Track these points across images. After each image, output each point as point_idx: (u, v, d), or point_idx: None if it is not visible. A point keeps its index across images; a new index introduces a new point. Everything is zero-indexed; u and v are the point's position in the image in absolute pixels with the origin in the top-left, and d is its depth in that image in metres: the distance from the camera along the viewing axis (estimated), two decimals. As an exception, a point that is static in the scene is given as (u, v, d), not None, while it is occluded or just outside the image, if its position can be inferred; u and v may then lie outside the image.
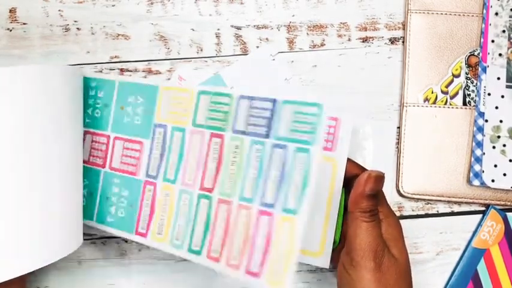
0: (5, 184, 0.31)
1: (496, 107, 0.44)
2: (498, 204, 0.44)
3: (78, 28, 0.45)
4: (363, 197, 0.35)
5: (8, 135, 0.31)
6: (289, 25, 0.46)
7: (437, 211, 0.44)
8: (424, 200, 0.44)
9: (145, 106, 0.39)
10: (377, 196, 0.36)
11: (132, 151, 0.40)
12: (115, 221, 0.39)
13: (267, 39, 0.45)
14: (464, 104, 0.44)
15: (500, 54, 0.44)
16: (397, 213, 0.44)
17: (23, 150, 0.32)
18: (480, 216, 0.45)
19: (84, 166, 0.41)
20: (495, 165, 0.43)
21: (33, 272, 0.41)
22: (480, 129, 0.44)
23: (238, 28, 0.46)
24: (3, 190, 0.31)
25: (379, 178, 0.35)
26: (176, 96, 0.38)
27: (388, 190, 0.44)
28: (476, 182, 0.43)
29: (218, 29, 0.45)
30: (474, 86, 0.44)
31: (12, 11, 0.45)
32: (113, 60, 0.45)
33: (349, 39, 0.46)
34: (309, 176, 0.32)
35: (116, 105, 0.40)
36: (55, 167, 0.34)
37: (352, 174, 0.39)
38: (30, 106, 0.32)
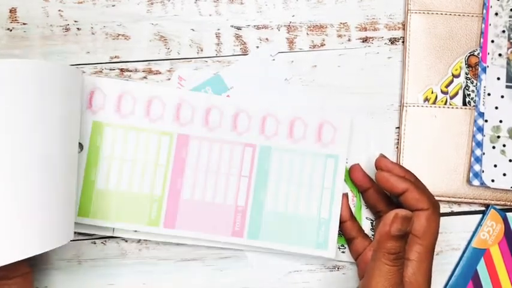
0: None
1: (496, 107, 0.44)
2: (498, 204, 0.44)
3: (78, 28, 0.45)
4: (388, 237, 0.34)
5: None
6: (289, 25, 0.46)
7: (437, 211, 0.44)
8: (424, 200, 0.44)
9: None
10: (404, 237, 0.35)
11: None
12: None
13: (267, 39, 0.45)
14: (464, 104, 0.44)
15: (500, 55, 0.44)
16: (397, 213, 0.44)
17: (8, 142, 0.32)
18: (480, 216, 0.45)
19: None
20: (495, 165, 0.43)
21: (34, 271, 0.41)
22: (480, 129, 0.44)
23: (238, 28, 0.46)
24: None
25: (407, 219, 0.34)
26: None
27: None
28: (476, 182, 0.43)
29: (218, 29, 0.45)
30: (474, 86, 0.44)
31: (12, 11, 0.45)
32: (113, 61, 0.45)
33: (349, 40, 0.46)
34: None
35: None
36: (42, 160, 0.34)
37: (364, 186, 0.42)
38: (23, 100, 0.33)
